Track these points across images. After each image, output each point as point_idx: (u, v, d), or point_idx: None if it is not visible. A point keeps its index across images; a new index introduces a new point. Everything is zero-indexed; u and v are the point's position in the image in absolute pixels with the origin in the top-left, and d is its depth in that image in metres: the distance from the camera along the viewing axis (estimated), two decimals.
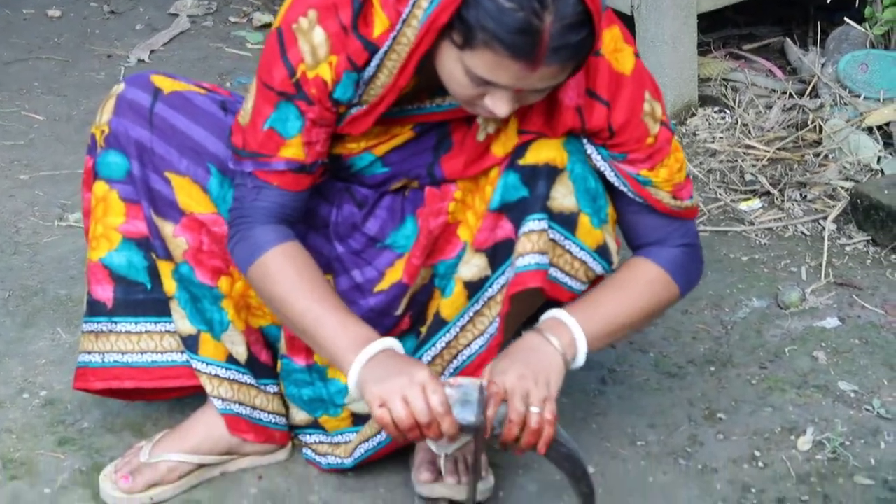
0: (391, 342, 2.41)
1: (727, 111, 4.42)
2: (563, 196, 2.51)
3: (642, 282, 2.59)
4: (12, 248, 3.70)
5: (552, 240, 2.52)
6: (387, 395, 2.30)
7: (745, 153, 4.19)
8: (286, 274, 2.50)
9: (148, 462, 2.74)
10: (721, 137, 4.29)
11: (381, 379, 2.32)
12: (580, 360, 2.47)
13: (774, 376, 3.19)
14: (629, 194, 2.56)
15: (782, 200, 3.96)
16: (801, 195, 3.98)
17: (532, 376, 2.36)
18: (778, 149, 4.19)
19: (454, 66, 2.29)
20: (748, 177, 4.08)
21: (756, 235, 3.82)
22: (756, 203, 3.97)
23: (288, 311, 2.50)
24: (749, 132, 4.29)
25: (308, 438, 2.88)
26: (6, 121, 4.59)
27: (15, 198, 4.01)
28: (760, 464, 2.90)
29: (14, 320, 3.36)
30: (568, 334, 2.45)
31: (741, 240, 3.80)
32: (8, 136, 4.47)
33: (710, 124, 4.36)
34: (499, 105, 2.32)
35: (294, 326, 2.51)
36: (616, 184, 2.55)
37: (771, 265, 3.68)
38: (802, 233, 3.82)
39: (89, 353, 2.80)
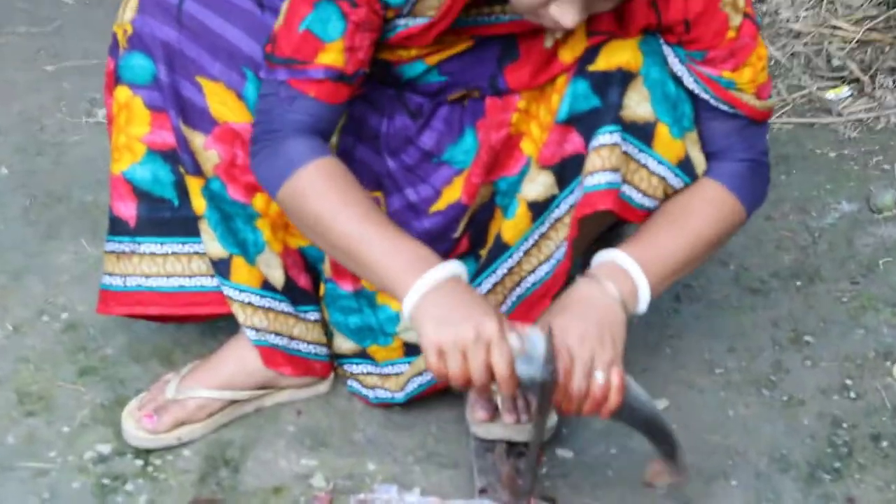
0: (457, 267, 2.10)
1: None
2: (637, 104, 2.23)
3: (705, 206, 2.28)
4: (36, 149, 3.42)
5: (625, 153, 2.23)
6: (447, 344, 2.01)
7: (831, 35, 3.84)
8: (325, 192, 2.19)
9: (175, 398, 2.49)
10: (805, 17, 3.93)
11: (443, 320, 2.03)
12: (641, 308, 2.18)
13: (867, 293, 2.91)
14: (711, 101, 2.24)
15: (873, 88, 3.65)
16: (893, 82, 3.65)
17: (596, 335, 2.08)
18: (868, 29, 3.84)
19: None
20: (835, 61, 3.75)
21: (844, 128, 3.51)
22: (844, 91, 3.65)
23: (329, 234, 2.19)
24: (836, 11, 3.92)
25: (355, 369, 2.63)
26: (31, 4, 4.26)
27: (40, 91, 3.71)
28: (852, 394, 2.64)
29: (36, 231, 3.10)
30: (629, 281, 2.16)
31: (828, 133, 3.48)
32: (34, 21, 4.15)
33: (792, 2, 4.00)
34: (566, 13, 2.01)
35: (336, 251, 2.20)
36: (695, 90, 2.25)
37: (861, 162, 3.39)
38: None
39: (111, 275, 2.57)
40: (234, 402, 2.54)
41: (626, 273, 2.16)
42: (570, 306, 2.13)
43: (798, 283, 2.94)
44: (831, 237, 3.09)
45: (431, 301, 2.05)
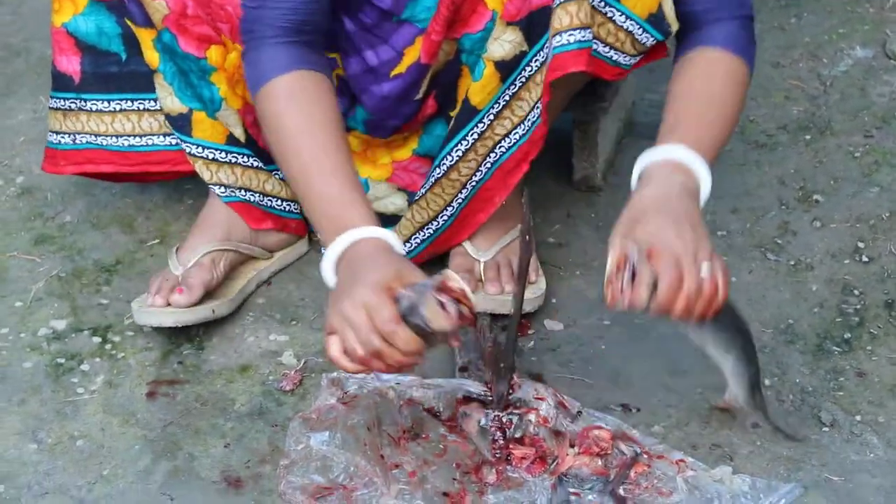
0: (383, 233, 1.93)
1: None
2: None
3: (727, 81, 2.13)
4: None
5: (593, 7, 2.06)
6: (336, 321, 1.84)
7: None
8: (291, 113, 2.02)
9: (186, 269, 2.33)
10: None
11: (337, 297, 1.87)
12: (705, 198, 2.02)
13: (881, 147, 2.74)
14: None
15: None
16: None
17: (690, 231, 1.91)
18: None
19: None
20: None
21: None
22: None
23: (287, 161, 2.03)
24: None
25: None
26: None
27: None
28: (864, 258, 2.48)
29: None
30: (692, 174, 1.99)
31: None
32: None
33: None
34: None
35: (290, 177, 2.05)
36: None
37: (877, 4, 3.21)
38: None
39: (58, 132, 2.43)
40: (245, 259, 2.41)
41: (688, 166, 1.99)
42: (650, 210, 1.94)
43: (807, 136, 2.76)
44: (844, 86, 2.91)
45: (345, 264, 1.90)
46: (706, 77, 2.11)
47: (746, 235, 2.51)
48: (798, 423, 2.12)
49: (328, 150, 2.00)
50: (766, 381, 2.20)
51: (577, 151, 2.60)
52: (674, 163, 1.99)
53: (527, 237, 1.98)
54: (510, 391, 2.10)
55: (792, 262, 2.45)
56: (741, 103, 2.14)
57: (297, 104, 2.02)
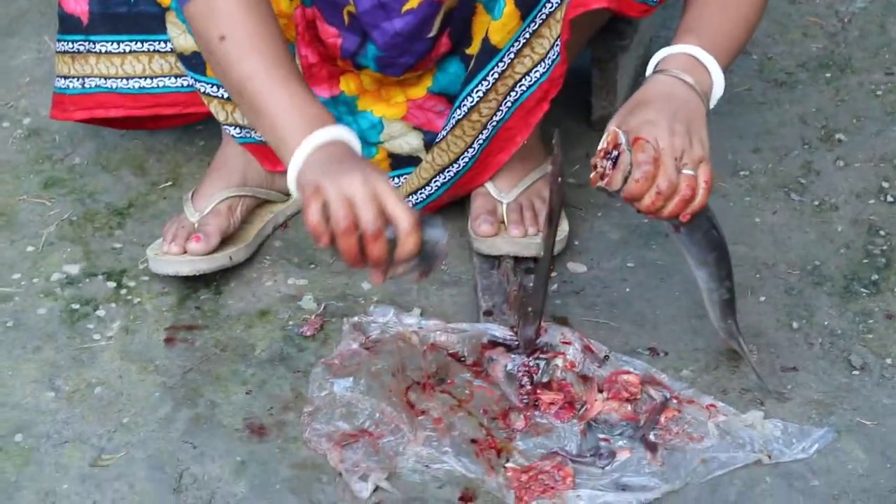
0: (348, 134, 1.86)
1: None
2: None
3: None
4: None
5: None
6: (331, 192, 1.74)
7: None
8: (233, 16, 1.92)
9: (202, 215, 2.27)
10: None
11: (327, 172, 1.78)
12: (715, 100, 1.97)
13: None
14: None
15: None
16: None
17: (684, 130, 1.86)
18: None
19: None
20: None
21: None
22: None
23: (229, 70, 1.93)
24: None
25: None
26: None
27: None
28: (890, 198, 2.43)
29: None
30: (705, 73, 1.94)
31: None
32: None
33: None
34: None
35: (233, 88, 1.94)
36: None
37: None
38: None
39: (66, 77, 2.35)
40: (261, 203, 2.36)
41: (701, 64, 1.94)
42: (652, 101, 1.89)
43: (827, 74, 2.69)
44: (863, 22, 2.84)
45: (317, 159, 1.81)
46: None
47: (769, 175, 2.46)
48: (769, 375, 2.07)
49: (282, 52, 1.92)
50: (795, 324, 2.17)
51: (595, 90, 2.55)
52: (687, 60, 1.94)
53: (559, 179, 1.94)
54: (537, 335, 2.06)
55: (816, 203, 2.41)
56: (760, 8, 2.07)
57: (248, 13, 1.92)
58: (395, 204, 1.73)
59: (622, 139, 1.82)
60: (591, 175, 1.85)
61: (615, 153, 1.82)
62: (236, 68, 1.91)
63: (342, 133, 1.84)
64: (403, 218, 1.73)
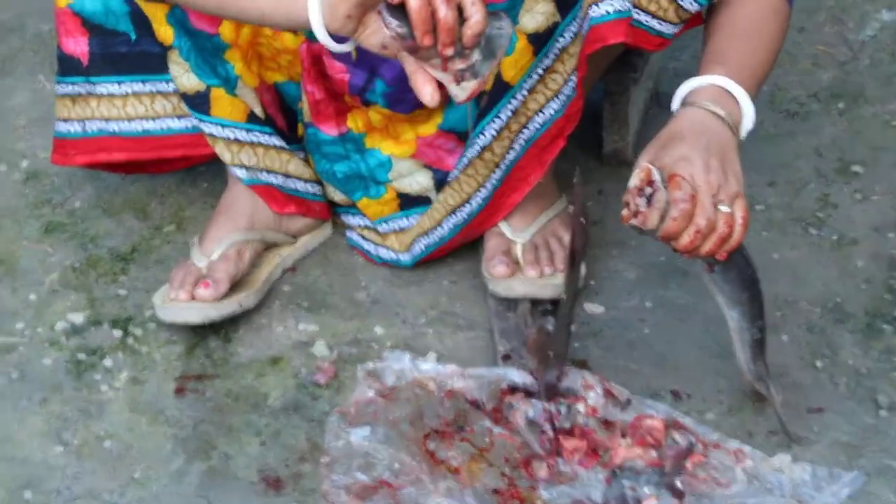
0: None
1: None
2: None
3: (769, 15, 2.02)
4: None
5: None
6: None
7: None
8: None
9: (210, 260, 2.22)
10: None
11: None
12: (746, 132, 1.92)
13: None
14: None
15: None
16: None
17: (719, 166, 1.81)
18: None
19: None
20: None
21: None
22: None
23: None
24: None
25: (352, 220, 2.37)
26: None
27: None
28: None
29: None
30: (735, 105, 1.90)
31: None
32: None
33: None
34: None
35: None
36: None
37: None
38: None
39: (66, 120, 2.30)
40: (269, 246, 2.31)
41: (731, 95, 1.90)
42: (685, 135, 1.85)
43: (840, 104, 2.65)
44: (873, 51, 2.80)
45: None
46: (746, 9, 2.01)
47: (786, 210, 2.42)
48: (795, 417, 2.02)
49: None
50: (818, 364, 2.12)
51: (607, 124, 2.50)
52: (717, 91, 1.89)
53: (581, 220, 1.89)
54: (559, 380, 2.01)
55: (835, 237, 2.36)
56: (782, 36, 2.04)
57: None
58: None
59: (656, 176, 1.77)
60: (623, 212, 1.80)
61: (649, 190, 1.77)
62: None
63: None
64: None
